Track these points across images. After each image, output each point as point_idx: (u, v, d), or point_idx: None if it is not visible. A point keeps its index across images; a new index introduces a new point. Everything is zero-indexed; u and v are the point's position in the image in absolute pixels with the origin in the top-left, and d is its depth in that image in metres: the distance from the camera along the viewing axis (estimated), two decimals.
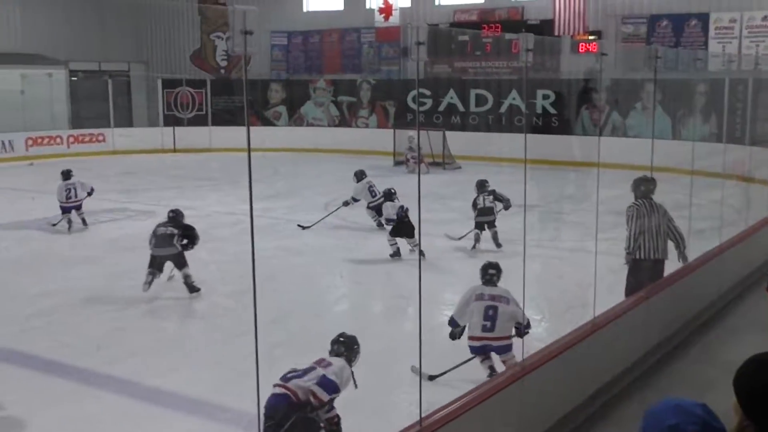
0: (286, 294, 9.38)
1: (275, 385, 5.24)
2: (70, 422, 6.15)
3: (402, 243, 11.30)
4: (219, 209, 15.13)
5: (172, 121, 27.86)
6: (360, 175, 13.75)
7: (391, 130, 23.70)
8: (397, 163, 22.00)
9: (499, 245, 11.48)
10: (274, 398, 5.15)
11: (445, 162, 22.01)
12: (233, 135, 25.97)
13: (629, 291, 7.73)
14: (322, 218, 13.69)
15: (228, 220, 14.39)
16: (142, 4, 30.46)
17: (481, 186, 12.15)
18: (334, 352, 5.61)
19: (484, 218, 11.78)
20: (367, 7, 27.20)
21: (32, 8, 27.34)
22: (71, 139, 26.10)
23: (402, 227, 11.09)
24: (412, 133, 21.95)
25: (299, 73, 28.63)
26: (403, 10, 26.06)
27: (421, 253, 9.21)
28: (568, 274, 10.28)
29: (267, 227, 13.06)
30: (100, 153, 25.91)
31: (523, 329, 6.35)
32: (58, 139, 25.76)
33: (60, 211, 13.55)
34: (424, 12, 25.98)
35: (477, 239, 11.77)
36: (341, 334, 5.77)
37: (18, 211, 15.30)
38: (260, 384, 3.94)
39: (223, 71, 30.06)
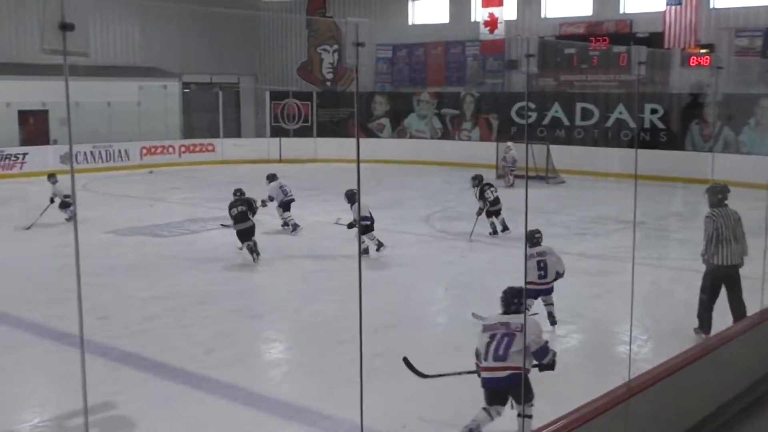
0: (388, 305, 9.41)
1: (494, 369, 5.50)
2: (176, 424, 6.31)
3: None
4: (322, 219, 15.32)
5: (278, 132, 28.48)
6: (272, 177, 15.11)
7: (494, 143, 23.54)
8: (500, 176, 21.81)
9: (507, 228, 13.66)
10: (507, 379, 5.45)
11: (548, 176, 21.70)
12: (337, 146, 26.39)
13: (706, 296, 8.13)
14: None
15: (331, 229, 14.57)
16: (252, 18, 31.30)
17: (480, 179, 14.02)
18: (511, 310, 5.83)
19: (495, 207, 13.71)
20: (472, 20, 27.15)
21: (150, 24, 28.48)
22: (183, 149, 27.00)
23: (371, 226, 11.93)
24: (510, 143, 21.72)
25: (403, 86, 28.79)
26: (508, 23, 25.89)
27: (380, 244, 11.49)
28: (677, 293, 9.95)
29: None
30: (210, 162, 26.70)
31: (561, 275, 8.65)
32: (171, 149, 26.68)
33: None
34: (530, 24, 25.74)
35: (494, 227, 13.70)
36: (518, 288, 5.95)
37: (133, 217, 15.88)
38: (363, 393, 3.93)
39: (329, 84, 30.55)
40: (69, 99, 2.84)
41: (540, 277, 8.57)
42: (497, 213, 13.78)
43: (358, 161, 3.44)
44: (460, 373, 6.27)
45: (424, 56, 28.51)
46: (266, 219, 14.41)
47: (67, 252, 12.40)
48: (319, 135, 28.25)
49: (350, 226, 12.26)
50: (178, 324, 8.90)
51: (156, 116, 26.49)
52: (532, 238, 8.95)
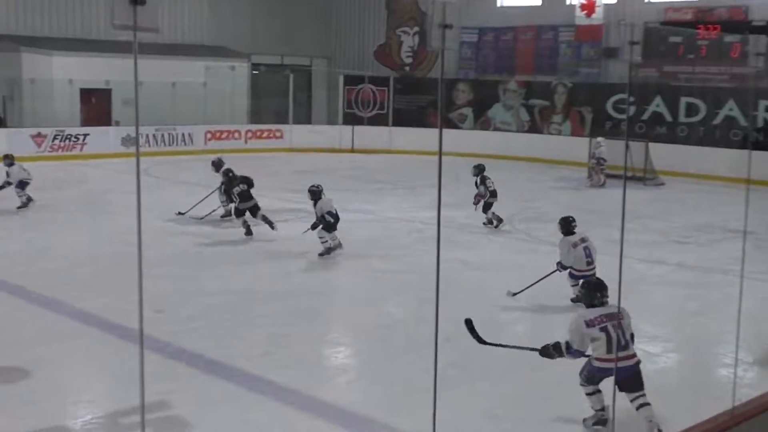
0: (462, 310, 9.33)
1: (625, 358, 6.05)
2: (231, 426, 6.39)
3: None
4: (395, 215, 15.35)
5: (351, 119, 28.63)
6: (219, 163, 15.41)
7: (587, 139, 23.20)
8: (589, 176, 21.48)
9: (501, 220, 14.51)
10: (632, 368, 6.08)
11: (646, 177, 21.27)
12: (414, 136, 26.37)
13: None
14: (198, 203, 14.86)
15: (404, 227, 14.57)
16: None
17: (482, 168, 14.65)
18: (606, 297, 6.33)
19: (495, 199, 14.43)
20: (568, 3, 26.78)
21: (219, 1, 28.97)
22: (249, 134, 27.39)
23: (335, 224, 12.03)
24: (601, 138, 21.36)
25: (489, 73, 28.61)
26: (607, 6, 25.45)
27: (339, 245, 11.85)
28: None
29: (445, 237, 13.09)
30: (277, 150, 27.01)
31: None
32: (237, 134, 27.09)
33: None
34: (632, 9, 25.23)
35: (492, 218, 14.44)
36: (594, 280, 6.63)
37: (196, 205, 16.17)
38: (437, 405, 3.90)
39: (407, 68, 30.57)
40: (137, 78, 2.89)
41: (588, 264, 9.51)
42: (490, 205, 14.53)
43: (440, 154, 3.41)
44: (521, 348, 6.85)
45: (512, 41, 28.28)
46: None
47: (124, 239, 12.67)
48: (395, 124, 28.28)
49: (314, 226, 12.12)
50: (236, 321, 9.03)
51: (222, 99, 26.97)
52: (569, 226, 9.64)
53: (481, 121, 28.09)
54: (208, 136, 26.43)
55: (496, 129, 27.75)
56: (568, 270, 9.67)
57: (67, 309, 9.18)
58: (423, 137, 25.34)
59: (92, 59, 24.83)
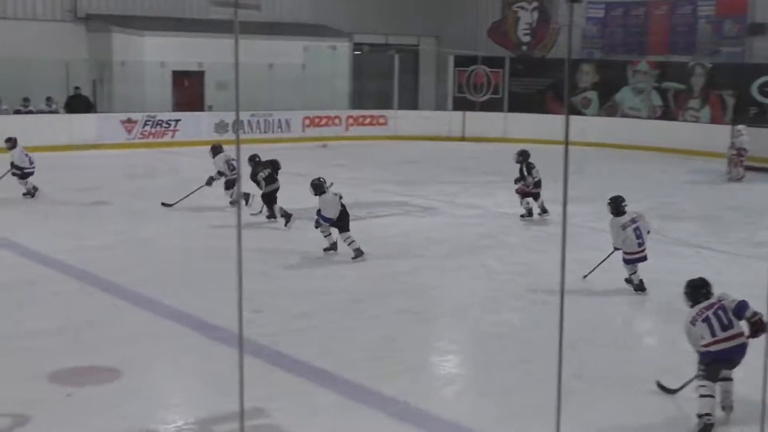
0: (584, 316, 9.23)
1: (729, 338, 6.69)
2: None
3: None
4: (509, 210, 15.25)
5: (462, 104, 28.55)
6: (217, 150, 15.30)
7: (727, 127, 22.54)
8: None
9: (546, 211, 14.56)
10: (740, 348, 6.70)
11: None
12: (532, 123, 26.12)
13: None
14: (187, 196, 14.99)
15: (519, 223, 14.47)
16: None
17: (527, 155, 14.62)
18: (711, 293, 7.03)
19: (537, 189, 14.49)
20: None
21: None
22: (350, 121, 27.65)
23: (342, 218, 11.74)
24: (741, 126, 20.69)
25: (616, 53, 28.08)
26: None
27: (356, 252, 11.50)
28: None
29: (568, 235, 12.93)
30: (381, 137, 27.19)
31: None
32: (337, 120, 27.38)
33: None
34: None
35: (529, 208, 14.56)
36: (698, 282, 7.21)
37: (292, 198, 16.42)
38: (560, 422, 3.88)
39: (524, 48, 30.29)
40: (238, 60, 2.95)
41: (639, 245, 10.06)
42: (537, 195, 14.60)
43: (567, 143, 3.37)
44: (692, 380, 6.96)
45: (644, 17, 27.68)
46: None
47: (219, 233, 13.04)
48: (511, 110, 28.06)
49: (317, 224, 11.96)
50: (338, 324, 9.13)
51: (322, 82, 27.27)
52: (619, 206, 10.19)
53: (607, 107, 27.61)
54: (306, 122, 26.82)
55: (623, 115, 27.22)
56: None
57: (160, 307, 9.46)
58: (541, 124, 25.10)
59: (185, 40, 25.49)
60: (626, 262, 10.20)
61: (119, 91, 25.49)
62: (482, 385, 7.78)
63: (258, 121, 25.70)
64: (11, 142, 16.19)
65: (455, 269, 11.59)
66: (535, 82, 28.40)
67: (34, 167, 16.00)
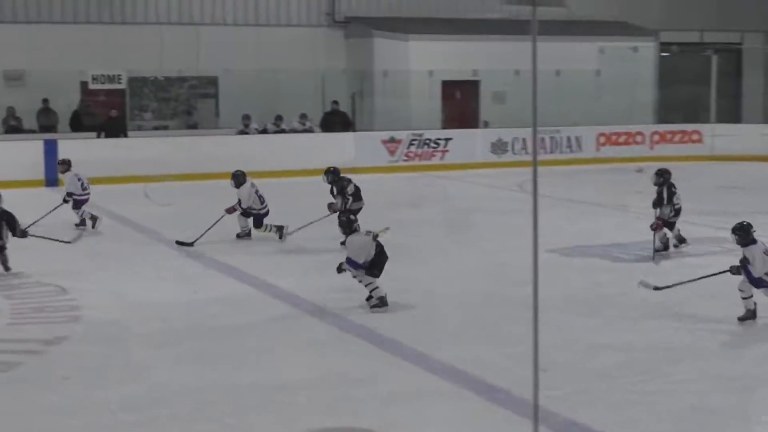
0: None
1: None
2: None
3: None
4: None
5: None
6: (239, 179, 15.50)
7: None
8: None
9: (684, 240, 14.64)
10: None
11: None
12: None
13: None
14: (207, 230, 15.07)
15: None
16: None
17: (668, 174, 14.43)
18: None
19: (676, 217, 14.42)
20: None
21: None
22: (656, 138, 27.07)
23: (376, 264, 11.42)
24: None
25: None
26: None
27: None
28: None
29: None
30: (694, 158, 26.40)
31: None
32: (639, 137, 26.93)
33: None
34: None
35: (665, 243, 14.46)
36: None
37: (586, 231, 16.23)
38: None
39: None
40: (536, 67, 2.93)
41: None
42: (672, 225, 14.48)
43: None
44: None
45: None
46: None
47: (497, 273, 13.10)
48: None
49: (339, 269, 11.46)
50: (639, 387, 8.86)
51: (620, 90, 26.92)
52: (749, 233, 10.63)
53: None
54: (601, 139, 26.54)
55: None
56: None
57: (426, 360, 9.56)
58: None
59: (457, 44, 25.92)
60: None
61: (381, 106, 26.25)
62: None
63: (543, 139, 25.65)
64: (65, 165, 16.96)
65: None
66: None
67: (87, 194, 16.61)
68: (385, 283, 11.96)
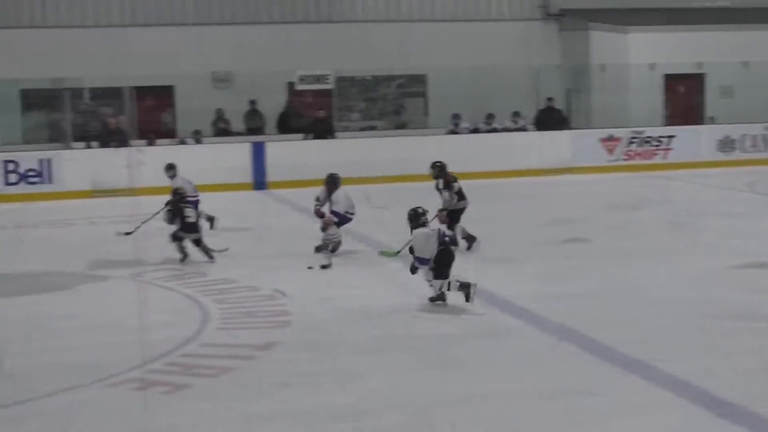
0: None
1: None
2: None
3: None
4: None
5: None
6: (173, 169, 16.61)
7: None
8: None
9: None
10: None
11: None
12: None
13: None
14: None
15: None
16: None
17: None
18: None
19: None
20: None
21: None
22: None
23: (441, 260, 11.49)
24: None
25: None
26: None
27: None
28: None
29: None
30: None
31: None
32: None
33: None
34: None
35: None
36: None
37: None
38: None
39: None
40: None
41: None
42: None
43: None
44: None
45: None
46: None
47: (721, 280, 12.71)
48: None
49: (413, 269, 11.69)
50: None
51: None
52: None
53: None
54: None
55: None
56: None
57: (650, 371, 9.36)
58: None
59: (680, 35, 25.35)
60: None
61: (598, 102, 25.94)
62: None
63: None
64: (172, 170, 17.10)
65: None
66: None
67: (197, 196, 16.61)
68: (604, 292, 11.83)
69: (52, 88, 25.09)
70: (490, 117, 25.23)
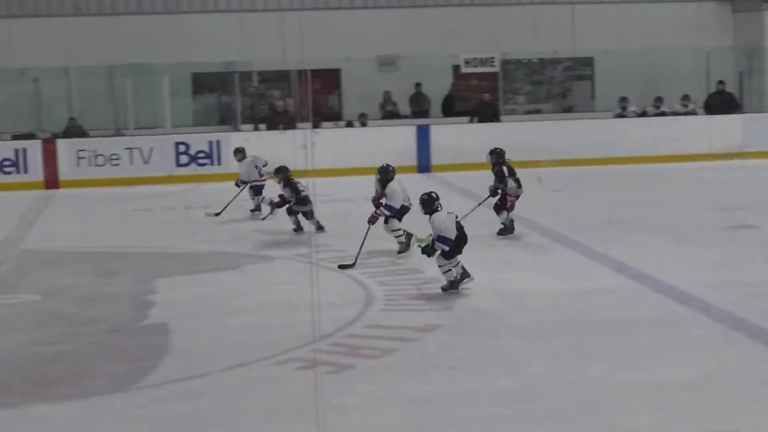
0: None
1: None
2: None
3: None
4: None
5: None
6: (242, 153, 18.14)
7: None
8: None
9: None
10: None
11: None
12: None
13: None
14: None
15: None
16: None
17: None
18: None
19: None
20: None
21: None
22: None
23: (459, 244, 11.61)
24: None
25: None
26: None
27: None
28: None
29: None
30: None
31: None
32: None
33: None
34: None
35: None
36: None
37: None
38: None
39: None
40: None
41: None
42: None
43: None
44: None
45: None
46: None
47: None
48: None
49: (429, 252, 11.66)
50: None
51: None
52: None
53: None
54: None
55: None
56: None
57: None
58: None
59: None
60: None
61: None
62: None
63: None
64: (241, 153, 18.17)
65: None
66: None
67: (264, 179, 17.46)
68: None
69: (223, 71, 25.67)
70: (658, 100, 24.80)
